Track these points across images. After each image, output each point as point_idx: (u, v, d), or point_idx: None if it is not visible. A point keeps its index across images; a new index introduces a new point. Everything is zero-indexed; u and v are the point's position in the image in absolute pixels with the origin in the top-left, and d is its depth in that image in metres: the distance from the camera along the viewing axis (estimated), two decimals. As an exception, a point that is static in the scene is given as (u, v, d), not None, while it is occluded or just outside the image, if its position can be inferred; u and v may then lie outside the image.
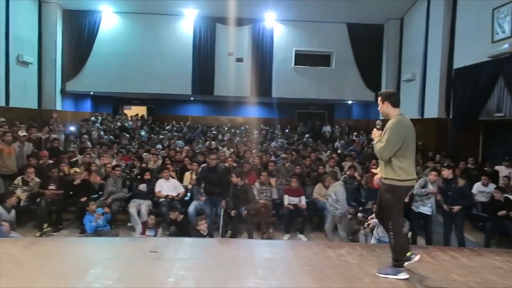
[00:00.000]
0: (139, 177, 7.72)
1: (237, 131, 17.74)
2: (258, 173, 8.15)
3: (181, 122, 19.34)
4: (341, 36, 16.99)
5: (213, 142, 13.79)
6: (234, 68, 17.00)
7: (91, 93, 17.88)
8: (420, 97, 14.40)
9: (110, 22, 16.60)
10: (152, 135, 15.25)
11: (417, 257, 3.61)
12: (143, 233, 6.21)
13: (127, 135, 13.99)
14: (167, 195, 7.28)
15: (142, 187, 7.39)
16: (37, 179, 7.36)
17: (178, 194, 7.36)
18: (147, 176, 7.46)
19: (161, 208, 7.12)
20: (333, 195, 6.57)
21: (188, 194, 7.64)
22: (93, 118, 16.75)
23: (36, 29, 15.45)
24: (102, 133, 13.63)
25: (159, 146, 12.13)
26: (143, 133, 15.94)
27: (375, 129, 3.76)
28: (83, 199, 6.92)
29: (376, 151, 3.62)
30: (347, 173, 8.15)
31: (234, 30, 17.00)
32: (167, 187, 7.41)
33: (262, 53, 16.97)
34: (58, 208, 7.18)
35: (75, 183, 7.34)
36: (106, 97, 19.00)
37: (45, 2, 15.61)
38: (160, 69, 16.56)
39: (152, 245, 4.25)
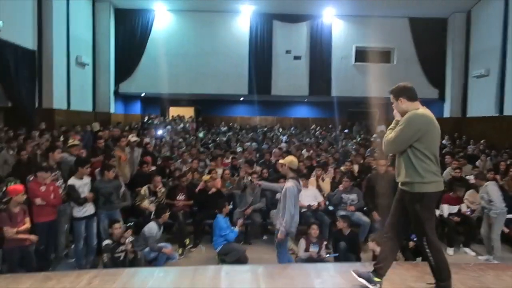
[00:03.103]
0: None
1: (293, 132, 17.05)
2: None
3: (230, 123, 18.72)
4: (402, 31, 16.33)
5: (284, 144, 13.14)
6: (292, 67, 16.40)
7: (142, 94, 17.25)
8: (498, 93, 13.70)
9: (163, 21, 16.00)
10: (217, 138, 14.56)
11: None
12: (306, 249, 5.57)
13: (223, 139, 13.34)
14: (309, 205, 6.63)
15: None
16: (163, 189, 6.73)
17: (318, 203, 6.71)
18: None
19: (308, 220, 6.46)
20: (485, 195, 6.00)
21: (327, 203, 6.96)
22: (156, 121, 16.11)
23: (91, 29, 14.91)
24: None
25: (239, 149, 11.46)
26: (201, 135, 15.28)
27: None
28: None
29: (383, 142, 3.08)
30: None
31: (292, 27, 16.42)
32: (307, 195, 6.75)
33: (321, 50, 16.33)
34: (195, 221, 6.53)
35: (210, 192, 6.69)
36: (155, 98, 18.40)
37: (98, 1, 15.00)
38: (215, 68, 15.96)
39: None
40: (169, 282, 3.38)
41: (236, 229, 5.98)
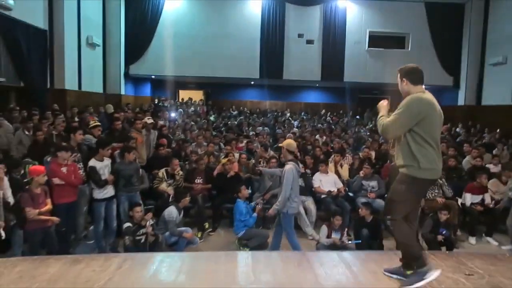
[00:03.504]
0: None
1: (304, 117, 16.86)
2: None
3: (240, 107, 18.54)
4: (418, 16, 15.93)
5: (296, 129, 13.01)
6: (304, 51, 16.11)
7: (152, 77, 17.07)
8: (515, 82, 13.43)
9: (174, 3, 15.67)
10: (226, 121, 14.43)
11: None
12: (328, 235, 5.49)
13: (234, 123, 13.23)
14: (329, 191, 6.53)
15: (299, 180, 6.61)
16: (181, 172, 6.64)
17: (338, 189, 6.60)
18: (302, 169, 6.67)
19: (328, 206, 6.37)
20: None
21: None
22: (166, 104, 15.97)
23: (101, 9, 14.65)
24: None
25: (252, 133, 11.34)
26: (212, 118, 15.15)
27: (383, 101, 3.22)
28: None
29: (378, 127, 3.04)
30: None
31: (305, 10, 16.07)
32: (327, 181, 6.65)
33: (334, 35, 16.00)
34: (214, 205, 6.45)
35: (228, 175, 6.59)
36: (165, 80, 18.19)
37: (109, -20, 14.72)
38: (226, 51, 15.69)
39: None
40: (201, 268, 3.29)
41: (255, 214, 5.91)
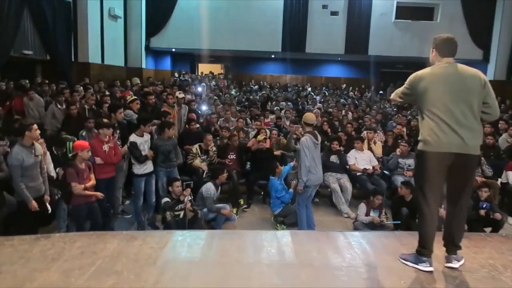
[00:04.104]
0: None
1: (325, 92, 16.56)
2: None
3: (260, 82, 18.30)
4: (449, -15, 15.25)
5: (319, 104, 12.81)
6: (328, 23, 15.64)
7: (173, 50, 16.87)
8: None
9: (196, -28, 15.24)
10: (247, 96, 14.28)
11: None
12: (367, 214, 5.45)
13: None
14: (365, 169, 6.44)
15: (334, 158, 6.54)
16: (214, 147, 6.61)
17: (373, 167, 6.50)
18: (336, 146, 6.58)
19: (363, 184, 6.31)
20: None
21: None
22: (187, 77, 15.82)
23: (121, -22, 14.32)
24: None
25: (276, 107, 11.18)
26: (233, 92, 14.99)
27: None
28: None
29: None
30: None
31: (330, -21, 15.49)
32: (362, 159, 6.56)
33: (360, 6, 15.44)
34: (249, 181, 6.45)
35: (260, 147, 6.54)
36: (185, 54, 18.01)
37: None
38: (248, 24, 15.29)
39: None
40: (259, 245, 3.28)
41: (291, 190, 5.88)
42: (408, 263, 2.96)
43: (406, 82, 2.99)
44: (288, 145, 7.18)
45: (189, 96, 9.09)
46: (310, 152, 4.84)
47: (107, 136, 5.01)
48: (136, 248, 3.12)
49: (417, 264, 2.90)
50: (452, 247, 2.92)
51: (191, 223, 5.13)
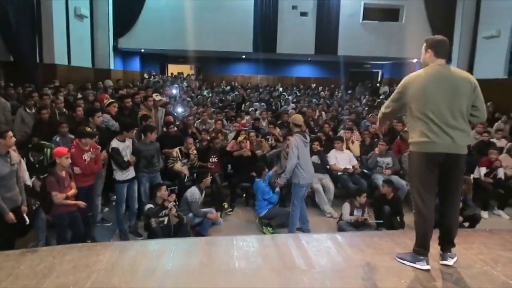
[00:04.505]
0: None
1: (297, 92, 16.73)
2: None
3: (231, 82, 18.24)
4: (412, -12, 15.79)
5: (292, 104, 12.92)
6: (298, 23, 15.80)
7: (142, 50, 16.49)
8: (508, 55, 13.57)
9: (164, -29, 14.97)
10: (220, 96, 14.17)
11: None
12: (351, 213, 5.53)
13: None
14: (345, 168, 6.53)
15: (315, 158, 6.58)
16: (195, 151, 6.49)
17: (353, 166, 6.61)
18: (317, 146, 6.64)
19: (345, 183, 6.40)
20: None
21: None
22: (157, 79, 15.50)
23: (87, -24, 13.83)
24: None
25: (252, 108, 11.18)
26: (205, 93, 14.85)
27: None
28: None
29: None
30: None
31: (299, -20, 15.65)
32: (343, 159, 6.64)
33: (329, 7, 15.69)
34: (232, 184, 6.38)
35: (245, 155, 6.49)
36: (154, 54, 17.66)
37: None
38: (219, 24, 15.16)
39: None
40: (256, 250, 3.25)
41: (277, 189, 5.89)
42: (406, 262, 3.02)
43: (398, 87, 3.02)
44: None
45: (164, 98, 8.90)
46: (300, 151, 4.93)
47: (88, 145, 4.79)
48: (131, 259, 3.01)
49: (414, 263, 2.96)
50: (447, 244, 3.00)
51: (177, 229, 5.02)
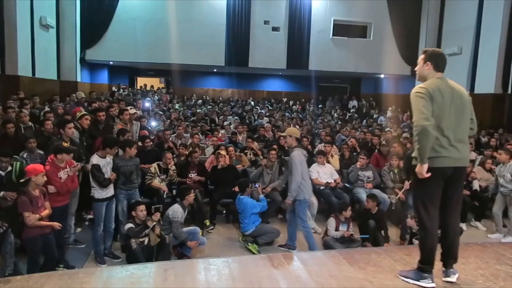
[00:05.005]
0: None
1: (268, 106, 16.75)
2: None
3: (203, 96, 18.04)
4: (380, 6, 16.32)
5: (266, 118, 12.90)
6: (270, 38, 15.93)
7: (110, 63, 16.02)
8: (470, 72, 14.24)
9: (135, -17, 14.71)
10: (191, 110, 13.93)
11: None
12: (336, 228, 5.44)
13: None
14: (328, 183, 6.47)
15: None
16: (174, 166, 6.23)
17: (335, 180, 6.56)
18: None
19: (327, 198, 6.32)
20: (509, 175, 6.09)
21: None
22: (126, 92, 15.04)
23: (53, -14, 13.36)
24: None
25: (227, 122, 11.03)
26: (177, 107, 14.56)
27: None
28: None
29: (416, 141, 2.79)
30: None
31: (270, -4, 15.82)
32: (324, 173, 6.58)
33: (300, 23, 15.94)
34: (213, 200, 6.14)
35: (220, 168, 6.28)
36: (123, 67, 17.19)
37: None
38: (191, 38, 15.03)
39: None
40: (247, 272, 3.07)
41: (262, 196, 5.86)
42: (409, 280, 2.95)
43: (422, 98, 2.75)
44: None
45: (138, 112, 8.60)
46: (303, 166, 4.88)
47: (64, 162, 4.46)
48: (125, 284, 2.76)
49: (419, 280, 2.89)
50: (450, 260, 2.95)
51: (159, 250, 4.74)
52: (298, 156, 4.85)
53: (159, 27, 14.80)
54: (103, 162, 4.70)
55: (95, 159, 4.66)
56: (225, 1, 15.29)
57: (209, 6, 15.32)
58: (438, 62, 2.88)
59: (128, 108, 6.95)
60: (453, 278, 2.93)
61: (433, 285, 2.85)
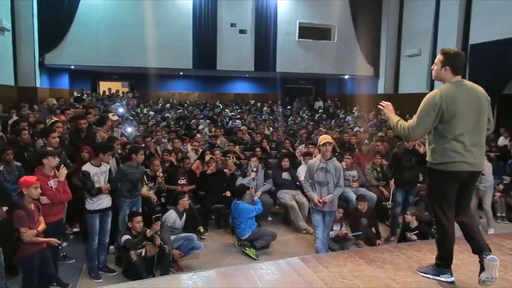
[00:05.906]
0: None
1: (236, 108, 16.71)
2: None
3: (169, 100, 17.69)
4: (342, 9, 16.79)
5: (238, 121, 12.88)
6: (237, 41, 15.89)
7: (71, 67, 15.30)
8: (429, 72, 14.96)
9: (97, -16, 14.15)
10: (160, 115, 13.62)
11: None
12: (330, 228, 5.51)
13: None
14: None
15: (286, 175, 6.52)
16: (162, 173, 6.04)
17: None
18: (287, 163, 6.60)
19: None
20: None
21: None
22: (90, 97, 14.41)
23: (7, -14, 12.57)
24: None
25: (201, 126, 10.88)
26: (145, 111, 14.16)
27: (386, 103, 3.15)
28: (227, 193, 5.88)
29: (400, 131, 2.99)
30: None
31: (237, -1, 15.82)
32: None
33: (266, 25, 16.03)
34: (206, 206, 6.02)
35: (209, 173, 6.18)
36: (84, 71, 16.49)
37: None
38: (157, 40, 14.60)
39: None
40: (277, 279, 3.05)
41: (256, 198, 5.87)
42: (429, 275, 3.03)
43: (426, 102, 2.82)
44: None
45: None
46: None
47: (52, 171, 4.20)
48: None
49: (438, 276, 2.99)
50: (484, 246, 2.86)
51: (158, 261, 4.60)
52: (341, 165, 4.90)
53: (123, 29, 14.33)
54: (96, 170, 4.48)
55: (86, 166, 4.44)
56: (191, 3, 15.09)
57: (175, 8, 15.04)
58: (456, 66, 2.86)
59: (110, 114, 6.65)
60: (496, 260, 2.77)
61: (452, 279, 2.96)
